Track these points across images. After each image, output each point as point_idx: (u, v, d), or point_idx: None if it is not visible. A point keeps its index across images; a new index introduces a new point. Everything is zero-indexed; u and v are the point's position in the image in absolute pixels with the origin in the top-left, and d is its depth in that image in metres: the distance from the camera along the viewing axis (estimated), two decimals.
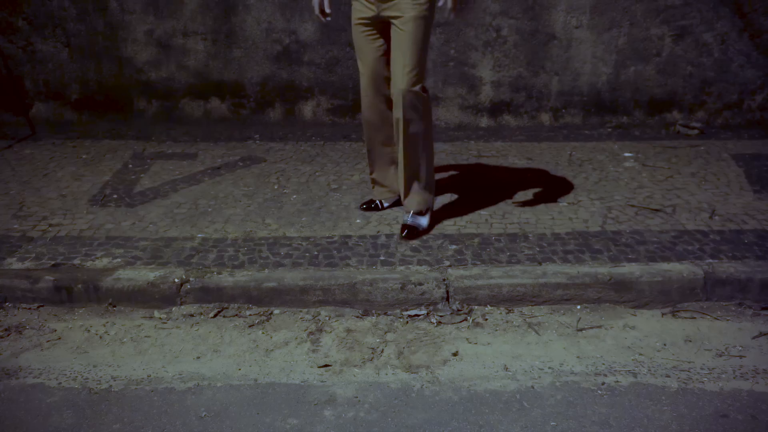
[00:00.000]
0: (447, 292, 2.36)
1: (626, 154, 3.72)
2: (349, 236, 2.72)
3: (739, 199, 3.06)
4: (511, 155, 3.74)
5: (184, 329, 2.28)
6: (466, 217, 2.88)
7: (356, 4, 2.63)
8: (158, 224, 2.86)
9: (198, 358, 2.12)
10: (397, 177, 2.80)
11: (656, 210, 2.94)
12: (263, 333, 2.25)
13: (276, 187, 3.29)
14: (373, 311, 2.36)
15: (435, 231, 2.74)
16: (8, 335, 2.24)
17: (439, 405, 1.87)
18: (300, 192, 3.21)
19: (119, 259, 2.54)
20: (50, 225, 2.85)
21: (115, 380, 2.00)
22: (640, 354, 2.11)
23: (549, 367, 2.05)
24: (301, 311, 2.37)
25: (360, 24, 2.64)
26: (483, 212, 2.93)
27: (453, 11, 2.54)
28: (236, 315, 2.35)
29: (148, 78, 4.28)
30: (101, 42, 4.20)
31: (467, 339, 2.20)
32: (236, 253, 2.58)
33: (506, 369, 2.04)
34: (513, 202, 3.00)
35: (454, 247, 2.61)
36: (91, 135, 4.13)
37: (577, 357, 2.10)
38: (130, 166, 3.61)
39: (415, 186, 2.71)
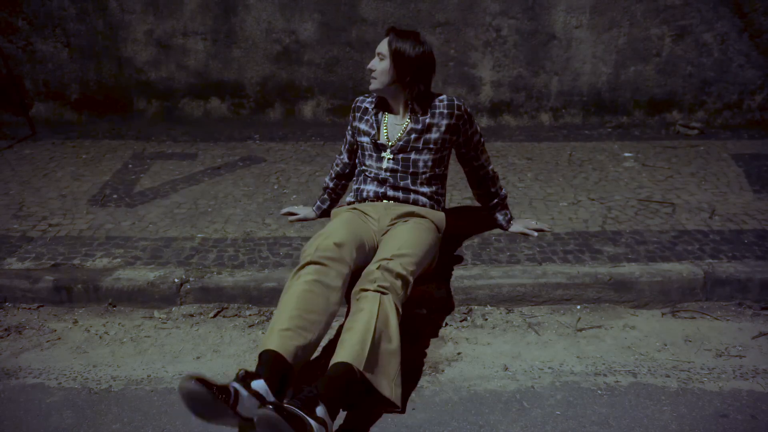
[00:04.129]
0: (447, 292, 2.36)
1: (626, 154, 3.72)
2: None
3: (739, 199, 3.06)
4: (511, 155, 3.75)
5: (184, 329, 2.28)
6: (465, 217, 2.88)
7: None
8: (158, 224, 2.86)
9: (198, 358, 2.12)
10: None
11: (662, 202, 2.95)
12: (263, 333, 2.25)
13: (276, 187, 3.29)
14: None
15: None
16: (8, 335, 2.24)
17: (439, 405, 1.87)
18: (300, 192, 3.21)
19: (119, 259, 2.54)
20: (50, 225, 2.85)
21: (114, 380, 2.00)
22: (640, 354, 2.11)
23: (549, 367, 2.05)
24: None
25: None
26: (483, 212, 2.93)
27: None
28: (236, 315, 2.35)
29: (147, 78, 4.28)
30: (101, 42, 4.20)
31: (467, 339, 2.20)
32: (236, 253, 2.58)
33: (506, 369, 2.04)
34: None
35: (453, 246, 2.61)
36: (90, 135, 4.14)
37: (577, 357, 2.10)
38: (130, 166, 3.61)
39: None
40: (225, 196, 3.17)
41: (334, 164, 2.69)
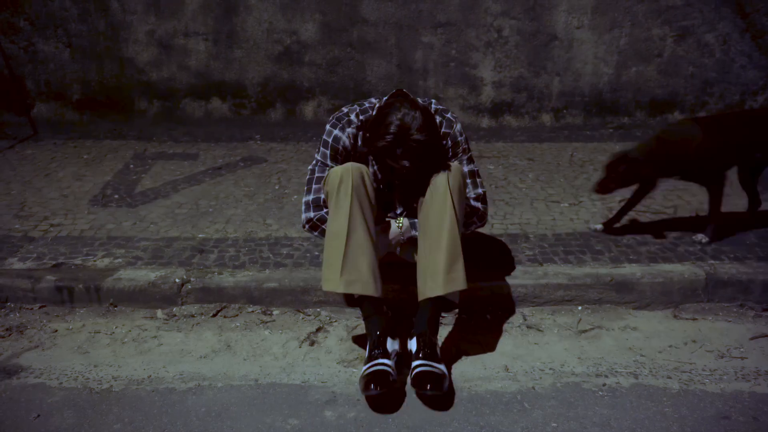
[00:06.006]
0: None
1: None
2: None
3: (740, 200, 3.05)
4: (513, 156, 3.74)
5: (185, 329, 2.28)
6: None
7: None
8: (159, 224, 2.86)
9: (199, 358, 2.12)
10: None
11: (663, 203, 2.94)
12: (270, 333, 2.25)
13: (277, 187, 3.29)
14: None
15: None
16: (9, 335, 2.24)
17: (439, 405, 1.87)
18: (301, 192, 3.21)
19: (120, 259, 2.54)
20: (51, 225, 2.86)
21: (116, 380, 2.00)
22: (642, 355, 2.10)
23: (550, 368, 2.05)
24: (301, 311, 2.37)
25: None
26: None
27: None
28: (237, 315, 2.35)
29: (149, 78, 4.29)
30: (103, 42, 4.20)
31: (468, 339, 2.20)
32: (237, 254, 2.58)
33: (507, 370, 2.04)
34: None
35: None
36: (92, 135, 4.14)
37: (578, 358, 2.10)
38: (132, 166, 3.61)
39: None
40: (226, 196, 3.18)
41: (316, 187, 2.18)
